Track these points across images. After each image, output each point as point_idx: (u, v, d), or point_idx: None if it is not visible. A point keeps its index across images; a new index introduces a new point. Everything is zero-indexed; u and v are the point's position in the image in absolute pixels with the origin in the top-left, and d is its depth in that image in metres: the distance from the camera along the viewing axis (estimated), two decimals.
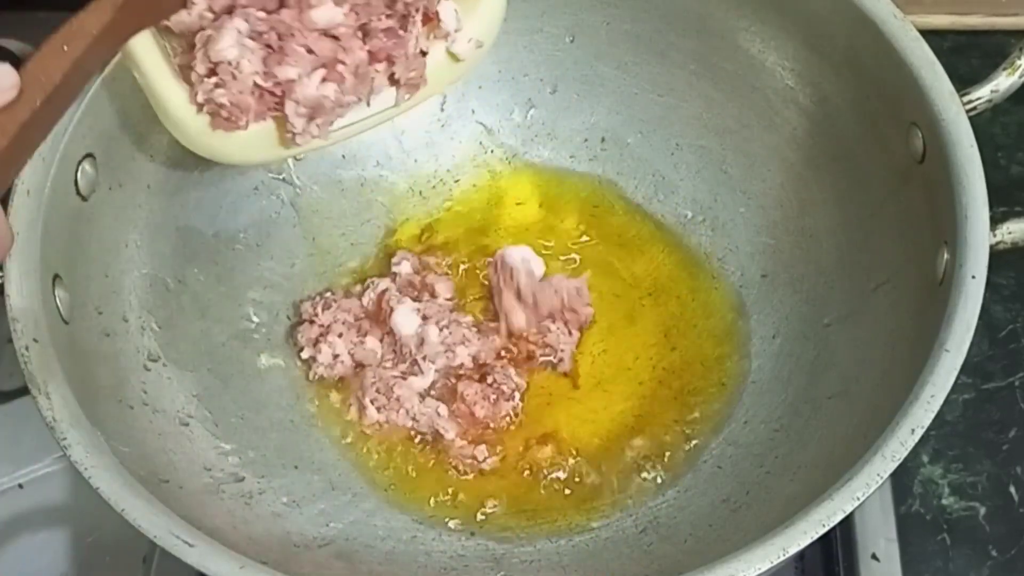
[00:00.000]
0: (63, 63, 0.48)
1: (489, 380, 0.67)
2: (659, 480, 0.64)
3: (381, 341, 0.69)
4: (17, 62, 0.91)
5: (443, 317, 0.68)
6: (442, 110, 0.76)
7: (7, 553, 0.67)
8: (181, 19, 0.53)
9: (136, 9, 0.50)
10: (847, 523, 0.64)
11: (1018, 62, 0.59)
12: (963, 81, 0.59)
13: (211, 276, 0.68)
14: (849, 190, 0.66)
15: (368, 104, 0.56)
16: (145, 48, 0.53)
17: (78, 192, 0.59)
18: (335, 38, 0.53)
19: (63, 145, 0.57)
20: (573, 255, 0.73)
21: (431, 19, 0.56)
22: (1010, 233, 0.56)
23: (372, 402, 0.67)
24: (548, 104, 0.76)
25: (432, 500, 0.64)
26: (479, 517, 0.64)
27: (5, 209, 0.56)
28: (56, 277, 0.56)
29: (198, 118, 0.53)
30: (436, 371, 0.67)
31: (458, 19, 0.57)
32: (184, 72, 0.53)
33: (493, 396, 0.66)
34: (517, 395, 0.67)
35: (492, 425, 0.66)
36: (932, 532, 0.66)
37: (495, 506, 0.64)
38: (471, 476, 0.65)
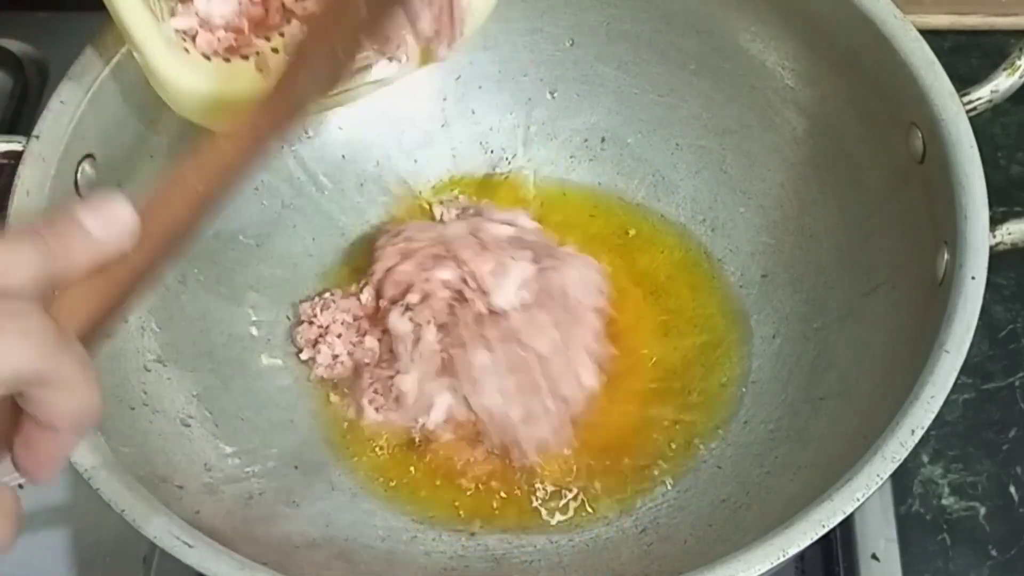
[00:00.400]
0: (191, 201, 0.42)
1: None
2: (659, 480, 0.64)
3: (379, 341, 0.69)
4: (19, 64, 0.91)
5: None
6: (442, 110, 0.76)
7: (7, 553, 0.67)
8: None
9: (271, 125, 0.45)
10: (847, 523, 0.64)
11: (1018, 62, 0.59)
12: (963, 81, 0.59)
13: (211, 276, 0.68)
14: (849, 190, 0.66)
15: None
16: (136, 14, 0.53)
17: (78, 192, 0.59)
18: None
19: (63, 145, 0.57)
20: None
21: None
22: (1010, 233, 0.56)
23: (370, 402, 0.67)
24: (548, 104, 0.76)
25: (432, 500, 0.64)
26: (479, 518, 0.64)
27: (4, 209, 0.56)
28: None
29: (194, 82, 0.53)
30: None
31: None
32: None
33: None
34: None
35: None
36: (932, 532, 0.66)
37: (495, 506, 0.64)
38: (470, 479, 0.65)
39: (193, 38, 0.53)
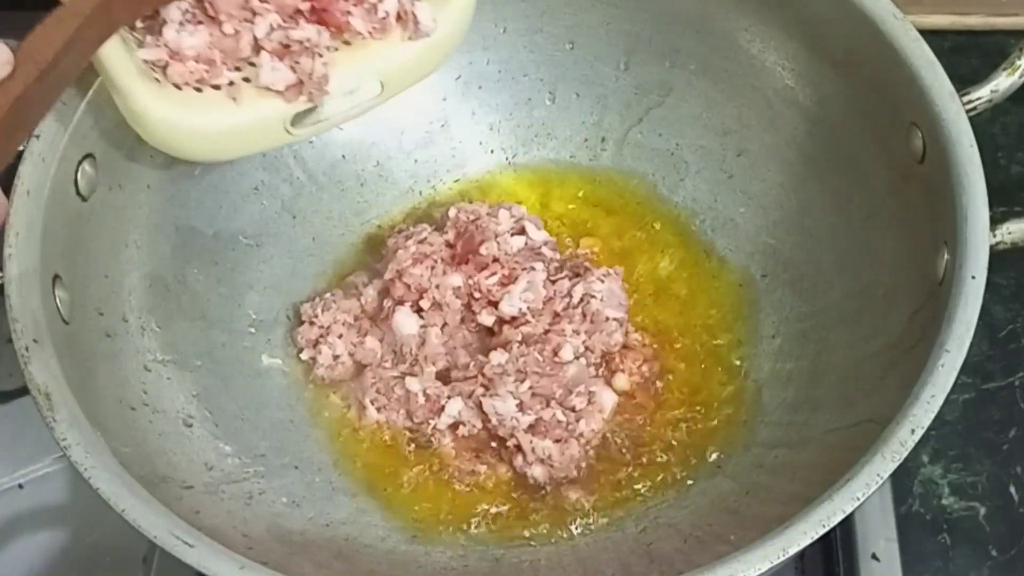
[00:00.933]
0: (56, 40, 0.49)
1: None
2: (659, 480, 0.64)
3: (381, 341, 0.69)
4: None
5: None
6: (442, 110, 0.76)
7: (7, 553, 0.67)
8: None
9: None
10: (847, 523, 0.64)
11: (1018, 62, 0.59)
12: (963, 81, 0.59)
13: (211, 276, 0.68)
14: (849, 190, 0.66)
15: (351, 93, 0.57)
16: (110, 47, 0.53)
17: (78, 192, 0.59)
18: None
19: (63, 145, 0.57)
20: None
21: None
22: (1010, 233, 0.56)
23: (372, 402, 0.67)
24: (548, 104, 0.76)
25: (432, 500, 0.64)
26: (479, 518, 0.64)
27: (7, 192, 0.56)
28: (56, 277, 0.56)
29: (165, 111, 0.53)
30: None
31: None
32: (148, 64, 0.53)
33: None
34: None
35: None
36: (932, 532, 0.66)
37: (495, 507, 0.64)
38: (471, 481, 0.65)
39: (164, 69, 0.53)
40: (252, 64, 0.54)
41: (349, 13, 0.55)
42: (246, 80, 0.54)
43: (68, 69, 0.50)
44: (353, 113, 0.58)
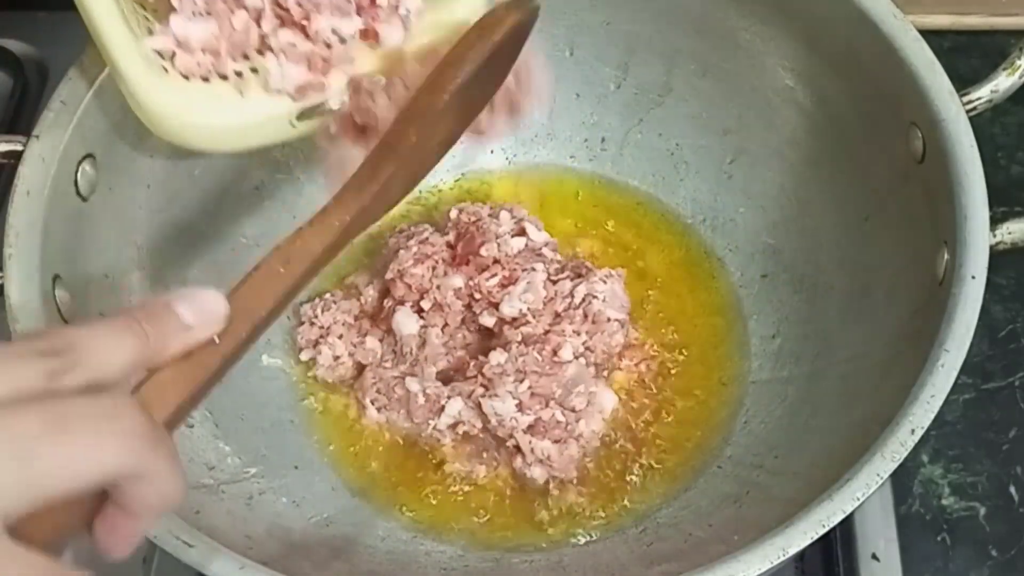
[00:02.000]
0: (278, 288, 0.44)
1: None
2: (659, 480, 0.64)
3: (381, 341, 0.68)
4: (18, 63, 0.91)
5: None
6: None
7: None
8: None
9: (358, 221, 0.48)
10: (847, 523, 0.64)
11: (1018, 62, 0.59)
12: (963, 81, 0.59)
13: (211, 276, 0.68)
14: (849, 190, 0.66)
15: None
16: (115, 32, 0.52)
17: (78, 192, 0.59)
18: None
19: (63, 145, 0.57)
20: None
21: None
22: (1010, 233, 0.56)
23: (372, 402, 0.67)
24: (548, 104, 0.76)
25: (432, 501, 0.64)
26: (479, 518, 0.64)
27: (4, 208, 0.56)
28: (56, 277, 0.56)
29: (171, 103, 0.53)
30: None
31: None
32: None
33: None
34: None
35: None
36: (932, 532, 0.66)
37: (495, 507, 0.64)
38: (468, 485, 0.65)
39: (171, 58, 0.53)
40: (261, 54, 0.54)
41: (376, 20, 0.55)
42: (254, 71, 0.54)
43: (279, 316, 0.44)
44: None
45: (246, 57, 0.54)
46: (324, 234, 0.46)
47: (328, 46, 0.54)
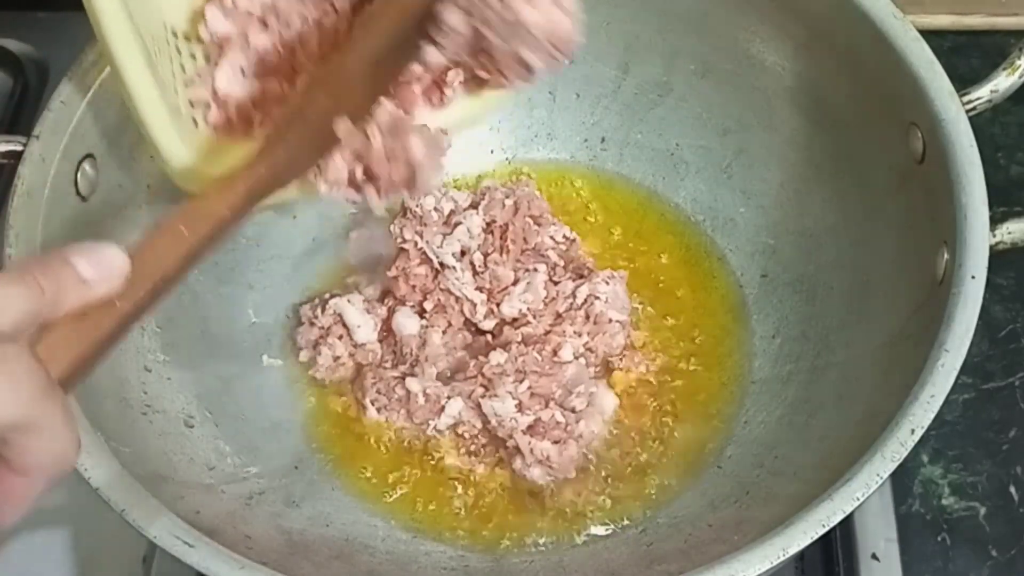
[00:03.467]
0: (181, 250, 0.42)
1: None
2: (659, 480, 0.64)
3: (381, 342, 0.68)
4: (18, 63, 0.91)
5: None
6: None
7: (7, 553, 0.67)
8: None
9: (265, 185, 0.47)
10: (847, 523, 0.64)
11: (1018, 62, 0.59)
12: (963, 81, 0.59)
13: (211, 276, 0.68)
14: (849, 190, 0.66)
15: None
16: (142, 84, 0.52)
17: (78, 192, 0.59)
18: None
19: (63, 145, 0.57)
20: None
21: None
22: (1010, 233, 0.56)
23: (372, 402, 0.66)
24: (548, 104, 0.76)
25: (432, 501, 0.64)
26: (479, 519, 0.64)
27: (4, 208, 0.56)
28: None
29: (195, 162, 0.53)
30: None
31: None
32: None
33: None
34: None
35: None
36: (932, 532, 0.66)
37: (495, 508, 0.64)
38: (468, 485, 0.65)
39: (205, 110, 0.53)
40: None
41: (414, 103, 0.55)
42: None
43: (180, 279, 0.43)
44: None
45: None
46: (230, 197, 0.45)
47: None
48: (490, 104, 0.58)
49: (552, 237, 0.70)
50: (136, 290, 0.40)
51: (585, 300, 0.67)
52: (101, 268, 0.39)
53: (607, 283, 0.67)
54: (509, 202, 0.69)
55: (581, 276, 0.68)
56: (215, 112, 0.54)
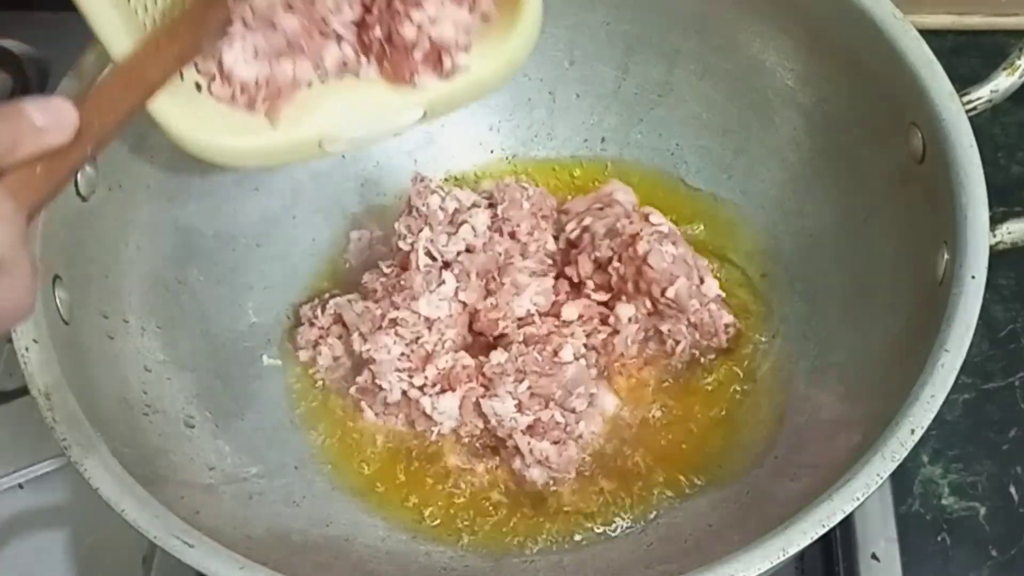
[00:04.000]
0: (120, 109, 0.46)
1: None
2: (659, 481, 0.64)
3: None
4: (18, 62, 0.91)
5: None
6: None
7: (7, 553, 0.67)
8: None
9: (190, 46, 0.51)
10: (847, 523, 0.64)
11: (1018, 62, 0.59)
12: (963, 81, 0.59)
13: (211, 276, 0.68)
14: (849, 190, 0.66)
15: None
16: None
17: (78, 192, 0.59)
18: None
19: None
20: None
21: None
22: (1010, 233, 0.56)
23: (370, 405, 0.66)
24: (548, 104, 0.76)
25: (432, 501, 0.64)
26: (478, 519, 0.64)
27: None
28: (56, 277, 0.56)
29: (197, 126, 0.53)
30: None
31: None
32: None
33: None
34: None
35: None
36: (932, 532, 0.66)
37: (495, 508, 0.64)
38: (468, 485, 0.65)
39: (210, 80, 0.54)
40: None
41: (416, 72, 0.56)
42: None
43: (119, 133, 0.47)
44: (390, 133, 0.58)
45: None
46: (160, 64, 0.49)
47: None
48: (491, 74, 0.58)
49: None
50: (83, 143, 0.43)
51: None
52: (54, 117, 0.42)
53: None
54: (527, 204, 0.69)
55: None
56: (220, 86, 0.54)
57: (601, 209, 0.70)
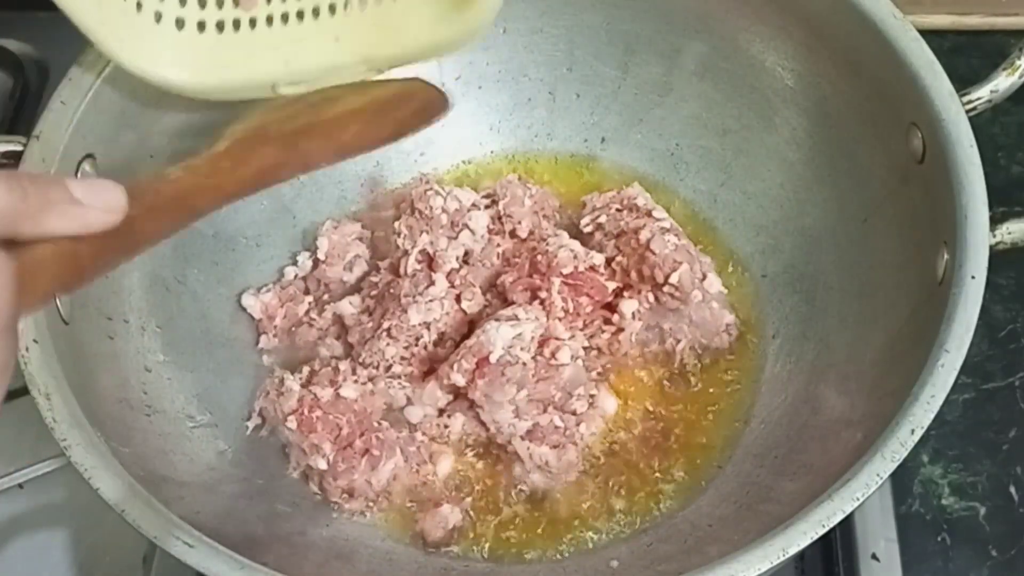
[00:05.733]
0: (164, 226, 0.44)
1: None
2: (658, 481, 0.64)
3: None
4: (18, 63, 0.91)
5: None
6: None
7: (7, 553, 0.67)
8: None
9: (242, 188, 0.49)
10: (847, 523, 0.64)
11: (1018, 62, 0.59)
12: (963, 81, 0.59)
13: (211, 276, 0.68)
14: (849, 190, 0.66)
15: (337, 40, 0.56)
16: None
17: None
18: None
19: (63, 145, 0.57)
20: None
21: None
22: (1010, 233, 0.56)
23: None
24: (548, 104, 0.76)
25: (432, 502, 0.64)
26: (479, 521, 0.64)
27: None
28: None
29: (154, 64, 0.55)
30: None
31: None
32: None
33: None
34: None
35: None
36: (932, 532, 0.66)
37: (495, 508, 0.64)
38: (468, 487, 0.65)
39: None
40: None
41: None
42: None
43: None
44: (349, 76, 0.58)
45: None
46: (210, 198, 0.47)
47: None
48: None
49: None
50: (133, 237, 0.40)
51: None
52: (95, 195, 0.38)
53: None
54: (529, 202, 0.69)
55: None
56: None
57: (619, 211, 0.69)
